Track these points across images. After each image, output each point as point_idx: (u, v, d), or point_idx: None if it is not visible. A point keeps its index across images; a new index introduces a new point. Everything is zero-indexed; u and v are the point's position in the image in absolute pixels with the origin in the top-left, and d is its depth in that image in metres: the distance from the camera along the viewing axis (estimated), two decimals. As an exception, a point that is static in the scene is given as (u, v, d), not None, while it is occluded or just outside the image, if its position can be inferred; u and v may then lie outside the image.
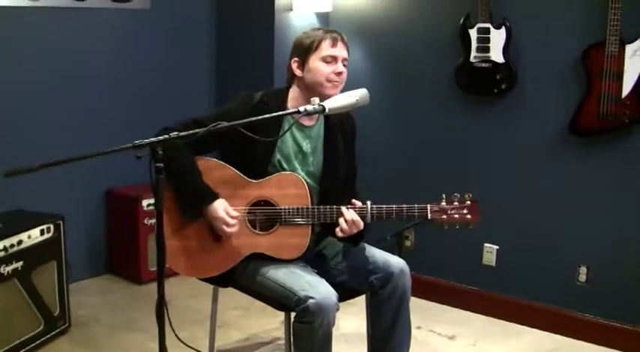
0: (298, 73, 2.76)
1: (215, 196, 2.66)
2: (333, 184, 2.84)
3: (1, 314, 3.23)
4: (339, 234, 2.65)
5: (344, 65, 2.74)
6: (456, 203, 2.67)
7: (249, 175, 2.72)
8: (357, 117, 2.94)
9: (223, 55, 4.79)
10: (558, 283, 3.84)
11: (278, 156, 2.76)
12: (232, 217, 2.65)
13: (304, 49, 2.74)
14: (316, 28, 2.82)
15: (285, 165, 2.77)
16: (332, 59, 2.71)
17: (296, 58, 2.77)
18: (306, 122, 2.80)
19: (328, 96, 2.57)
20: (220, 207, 2.64)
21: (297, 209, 2.68)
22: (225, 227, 2.64)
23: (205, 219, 2.68)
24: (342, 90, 2.71)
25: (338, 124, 2.86)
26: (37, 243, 3.43)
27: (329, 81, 2.70)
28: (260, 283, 2.71)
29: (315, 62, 2.71)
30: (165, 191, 2.25)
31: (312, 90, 2.72)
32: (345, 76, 2.74)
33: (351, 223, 2.63)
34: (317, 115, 2.80)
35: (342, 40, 2.75)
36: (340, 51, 2.73)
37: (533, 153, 3.84)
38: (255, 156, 2.72)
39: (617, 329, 3.67)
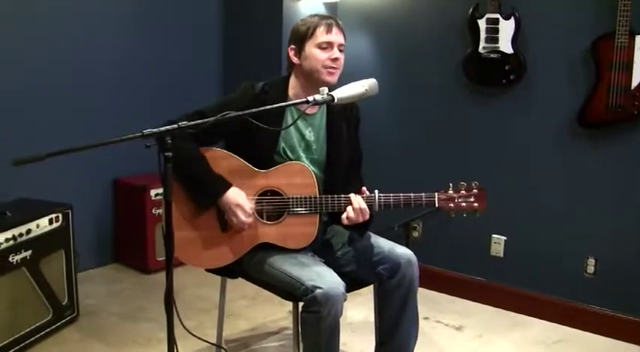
0: (295, 60, 2.76)
1: (229, 184, 2.67)
2: (338, 172, 2.84)
3: (10, 303, 3.24)
4: (345, 221, 2.65)
5: (340, 50, 2.73)
6: (463, 191, 2.68)
7: (255, 164, 2.72)
8: (365, 107, 2.93)
9: (231, 44, 4.79)
10: (566, 275, 3.84)
11: (283, 144, 2.76)
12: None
13: (300, 37, 2.74)
14: (312, 15, 2.81)
15: (290, 154, 2.77)
16: (327, 45, 2.70)
17: (293, 46, 2.77)
18: (309, 110, 2.79)
19: (326, 83, 2.58)
20: (239, 196, 2.65)
21: (305, 198, 2.68)
22: (242, 215, 2.64)
23: (220, 207, 2.68)
24: (344, 74, 2.73)
25: (341, 112, 2.86)
26: (46, 232, 3.44)
27: (325, 67, 2.69)
28: (268, 273, 2.71)
29: (310, 49, 2.70)
30: (173, 181, 2.25)
31: (309, 77, 2.72)
32: (341, 61, 2.74)
33: (359, 211, 2.63)
34: None
35: (338, 25, 2.74)
36: (335, 37, 2.72)
37: (542, 144, 3.83)
38: (259, 146, 2.72)
39: (625, 320, 3.66)
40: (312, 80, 2.70)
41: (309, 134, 2.81)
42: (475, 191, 2.69)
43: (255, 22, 4.57)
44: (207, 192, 2.68)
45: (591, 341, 3.69)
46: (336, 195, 2.67)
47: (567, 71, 3.68)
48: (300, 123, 2.79)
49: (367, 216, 2.66)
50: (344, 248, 2.89)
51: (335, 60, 2.70)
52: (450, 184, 2.69)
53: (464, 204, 2.68)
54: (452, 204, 2.68)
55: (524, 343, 3.66)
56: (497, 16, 3.73)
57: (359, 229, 2.79)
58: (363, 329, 3.57)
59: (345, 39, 2.77)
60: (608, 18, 3.41)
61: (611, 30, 3.38)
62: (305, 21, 2.77)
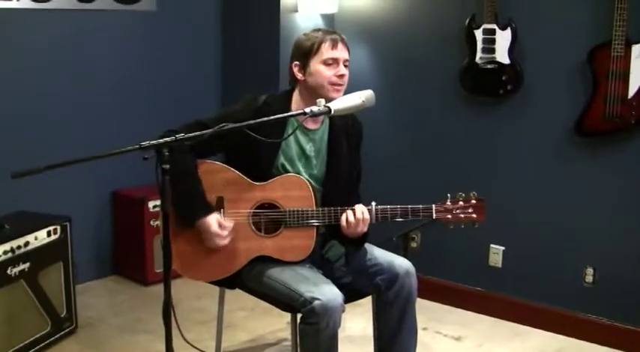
0: (300, 76, 2.75)
1: (209, 209, 2.65)
2: (336, 188, 2.83)
3: (9, 316, 3.24)
4: (344, 223, 2.64)
5: (345, 66, 2.72)
6: (461, 202, 2.68)
7: (254, 178, 2.72)
8: (362, 118, 2.93)
9: (229, 56, 4.80)
10: (565, 284, 3.84)
11: (282, 158, 2.76)
12: (225, 228, 2.65)
13: (304, 52, 2.72)
14: (316, 29, 2.79)
15: (289, 168, 2.76)
16: (333, 61, 2.69)
17: (297, 62, 2.75)
18: (310, 125, 2.79)
19: (332, 99, 2.56)
20: (214, 222, 2.64)
21: (302, 211, 2.68)
22: (217, 240, 2.65)
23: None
24: (345, 91, 2.71)
25: (343, 128, 2.85)
26: (44, 244, 3.44)
27: (331, 84, 2.68)
28: (266, 285, 2.71)
29: (316, 65, 2.69)
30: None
31: (314, 93, 2.70)
32: (347, 77, 2.73)
33: (361, 221, 2.63)
34: (322, 118, 2.80)
35: (343, 41, 2.73)
36: (341, 53, 2.71)
37: (539, 154, 3.83)
38: (258, 159, 2.72)
39: (624, 330, 3.66)
40: (317, 96, 2.64)
41: (310, 149, 2.81)
42: (473, 202, 2.68)
43: (253, 34, 4.58)
44: (185, 213, 2.66)
45: (590, 351, 3.69)
46: (332, 208, 2.67)
47: (564, 81, 3.69)
48: (301, 137, 2.79)
49: (365, 228, 2.67)
50: (342, 259, 2.89)
51: (341, 76, 2.70)
52: (448, 195, 2.69)
53: (462, 216, 2.68)
54: (450, 216, 2.68)
55: (523, 353, 3.67)
56: (494, 26, 3.74)
57: (355, 243, 2.80)
58: (361, 341, 3.56)
59: (349, 54, 2.76)
60: (605, 28, 3.41)
61: (608, 40, 3.39)
62: (309, 36, 2.75)
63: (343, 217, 2.65)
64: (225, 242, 2.66)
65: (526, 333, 3.89)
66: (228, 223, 2.66)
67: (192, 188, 2.67)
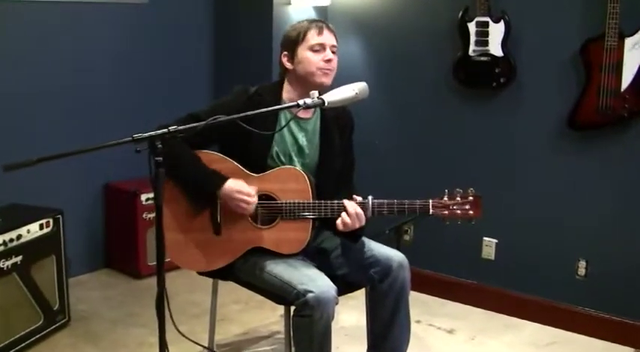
0: (289, 65, 2.77)
1: (225, 177, 2.66)
2: (329, 178, 2.84)
3: (1, 309, 3.23)
4: (340, 226, 2.64)
5: (333, 52, 2.75)
6: (458, 198, 2.66)
7: (249, 168, 2.72)
8: (355, 110, 2.93)
9: (221, 49, 4.78)
10: (557, 277, 3.85)
11: (276, 148, 2.76)
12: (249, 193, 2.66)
13: (292, 42, 2.75)
14: (301, 20, 2.82)
15: (283, 158, 2.77)
16: (320, 47, 2.71)
17: (285, 52, 2.78)
18: (303, 115, 2.80)
19: (321, 85, 2.60)
20: (238, 183, 2.65)
21: (299, 203, 2.68)
22: (244, 203, 2.64)
23: (221, 200, 2.67)
24: (335, 79, 2.74)
25: (334, 118, 2.86)
26: (37, 237, 3.43)
27: (320, 69, 2.70)
28: (259, 277, 2.71)
29: (303, 53, 2.72)
30: (166, 184, 2.25)
31: (304, 81, 2.73)
32: (335, 63, 2.75)
33: (355, 216, 2.62)
34: (313, 109, 2.80)
35: (328, 27, 2.76)
36: (327, 38, 2.73)
37: (532, 147, 3.84)
38: (252, 150, 2.73)
39: (616, 322, 3.67)
40: (307, 84, 2.70)
41: (302, 139, 2.81)
42: (470, 198, 2.65)
43: (246, 26, 4.57)
44: (203, 188, 2.68)
45: (583, 344, 3.70)
46: (329, 201, 2.67)
47: (557, 74, 3.69)
48: (294, 127, 2.80)
49: (363, 222, 2.66)
50: (335, 251, 2.89)
51: (329, 61, 2.72)
52: (446, 191, 2.67)
53: (459, 212, 2.66)
54: (446, 212, 2.66)
55: (516, 345, 3.67)
56: (487, 19, 3.74)
57: (352, 236, 2.79)
58: (355, 333, 3.56)
59: (337, 40, 2.79)
60: (598, 20, 3.41)
61: (601, 32, 3.39)
62: (295, 26, 2.79)
63: (339, 221, 2.64)
64: (252, 206, 2.65)
65: (519, 326, 3.90)
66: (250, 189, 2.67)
67: (202, 167, 2.69)
